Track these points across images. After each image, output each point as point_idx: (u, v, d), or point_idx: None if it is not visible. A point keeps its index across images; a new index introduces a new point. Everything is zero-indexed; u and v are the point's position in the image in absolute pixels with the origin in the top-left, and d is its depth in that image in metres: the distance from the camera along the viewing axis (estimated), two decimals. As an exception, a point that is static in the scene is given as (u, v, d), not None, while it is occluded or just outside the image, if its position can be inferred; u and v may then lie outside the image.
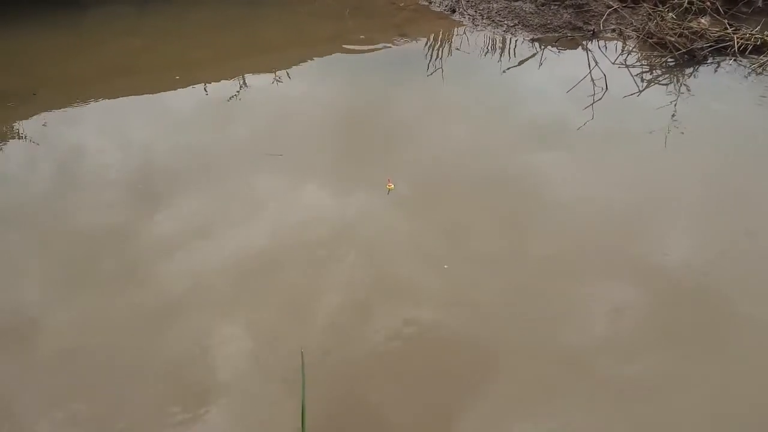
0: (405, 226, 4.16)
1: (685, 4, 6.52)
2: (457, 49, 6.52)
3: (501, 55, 6.35)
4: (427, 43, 6.61)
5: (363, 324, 3.48)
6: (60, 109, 5.39)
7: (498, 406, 3.12)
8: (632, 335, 3.43)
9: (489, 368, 3.28)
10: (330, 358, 3.26)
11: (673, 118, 5.23)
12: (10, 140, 5.02)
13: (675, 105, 5.45)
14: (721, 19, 6.39)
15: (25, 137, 5.03)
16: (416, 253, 3.93)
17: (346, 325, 3.48)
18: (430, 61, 6.26)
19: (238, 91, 5.68)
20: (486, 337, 3.43)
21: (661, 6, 6.61)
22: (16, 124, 5.18)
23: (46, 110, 5.36)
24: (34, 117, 5.26)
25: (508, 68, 6.10)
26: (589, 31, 6.64)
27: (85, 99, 5.51)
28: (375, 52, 6.48)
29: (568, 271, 3.82)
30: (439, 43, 6.64)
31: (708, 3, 6.51)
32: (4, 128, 5.13)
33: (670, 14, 6.43)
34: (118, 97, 5.61)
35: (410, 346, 3.37)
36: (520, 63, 6.20)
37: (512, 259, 3.92)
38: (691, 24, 6.27)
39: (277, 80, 5.91)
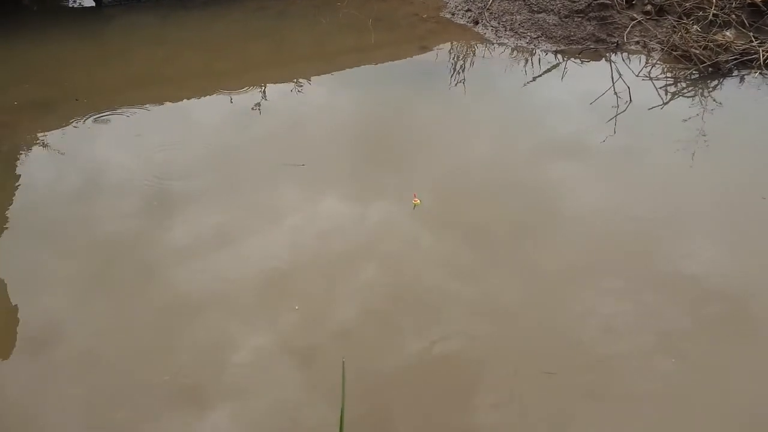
0: (425, 237, 4.24)
1: (710, 17, 6.59)
2: (481, 61, 6.62)
3: (524, 67, 6.45)
4: (449, 55, 6.71)
5: (384, 335, 3.57)
6: (84, 117, 5.51)
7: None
8: (652, 351, 3.48)
9: (508, 380, 3.35)
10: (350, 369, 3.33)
11: (698, 131, 5.30)
12: (35, 149, 5.14)
13: (700, 118, 5.51)
14: (746, 31, 6.46)
15: (51, 146, 5.16)
16: (437, 265, 4.02)
17: (365, 336, 3.57)
18: (452, 72, 6.37)
19: (261, 102, 5.80)
20: (505, 351, 3.51)
21: (685, 19, 6.68)
22: (41, 133, 5.31)
23: (70, 119, 5.49)
24: (60, 126, 5.39)
25: (532, 80, 6.19)
26: (612, 43, 6.73)
27: (108, 108, 5.64)
28: (398, 63, 6.60)
29: (591, 284, 3.90)
30: (461, 54, 6.74)
31: (733, 16, 6.58)
32: (30, 137, 5.26)
33: (695, 27, 6.51)
34: (142, 106, 5.72)
35: (430, 357, 3.45)
36: (543, 74, 6.29)
37: (532, 272, 3.98)
38: (716, 37, 6.34)
39: (300, 91, 6.02)
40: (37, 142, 5.22)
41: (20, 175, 4.85)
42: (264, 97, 5.90)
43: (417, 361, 3.41)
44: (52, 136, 5.27)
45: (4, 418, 3.17)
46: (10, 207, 4.53)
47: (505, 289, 3.86)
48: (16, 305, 3.76)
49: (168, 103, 5.86)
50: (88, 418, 3.18)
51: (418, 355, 3.44)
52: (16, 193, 4.66)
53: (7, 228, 4.32)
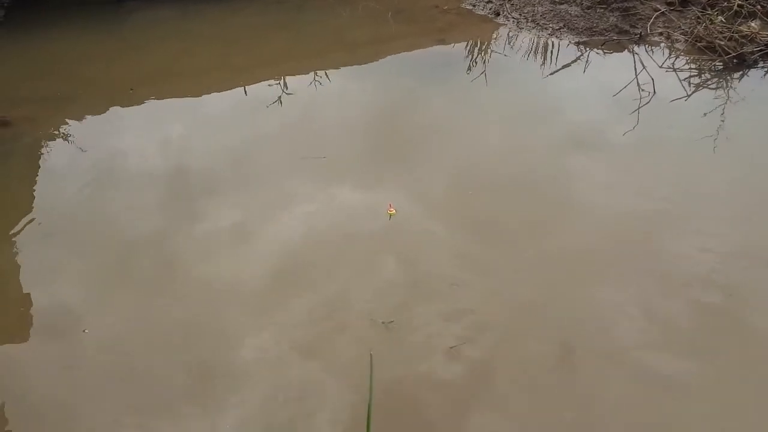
0: (441, 229, 4.33)
1: (735, 7, 6.61)
2: (501, 52, 6.68)
3: (546, 59, 6.50)
4: (470, 47, 6.77)
5: (397, 328, 3.64)
6: (103, 112, 5.63)
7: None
8: (660, 346, 3.54)
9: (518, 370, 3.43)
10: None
11: (722, 123, 5.35)
12: (57, 142, 5.26)
13: (724, 110, 5.56)
14: (772, 22, 6.47)
15: (72, 139, 5.27)
16: (451, 257, 4.10)
17: (379, 329, 3.64)
18: (473, 64, 6.43)
19: (280, 95, 5.89)
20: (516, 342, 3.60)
21: (710, 9, 6.72)
22: (63, 126, 5.43)
23: (90, 114, 5.61)
24: (81, 119, 5.52)
25: (554, 72, 6.24)
26: (635, 34, 6.76)
27: (128, 102, 5.75)
28: (417, 55, 6.66)
29: (605, 279, 3.97)
30: (482, 46, 6.80)
31: (759, 6, 6.60)
32: (52, 130, 5.38)
33: (720, 17, 6.54)
34: (161, 100, 5.83)
35: (443, 350, 3.53)
36: (566, 66, 6.33)
37: (545, 264, 4.06)
38: (741, 27, 6.36)
39: (320, 84, 6.09)
40: (59, 134, 5.34)
41: (42, 167, 4.97)
42: (284, 90, 5.99)
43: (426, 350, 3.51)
44: (73, 129, 5.40)
45: (37, 406, 3.30)
46: (32, 199, 4.64)
47: (522, 279, 3.94)
48: (37, 296, 3.88)
49: (188, 97, 5.96)
50: (115, 403, 3.30)
51: (430, 342, 3.54)
52: (38, 185, 4.78)
53: (28, 220, 4.42)
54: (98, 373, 3.44)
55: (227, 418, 3.21)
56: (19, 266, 4.07)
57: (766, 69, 6.13)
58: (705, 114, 5.46)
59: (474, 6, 7.56)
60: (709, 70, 6.20)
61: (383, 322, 3.61)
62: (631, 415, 3.22)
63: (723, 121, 5.37)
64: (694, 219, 4.37)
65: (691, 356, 3.46)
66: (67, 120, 5.51)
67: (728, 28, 6.39)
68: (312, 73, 6.25)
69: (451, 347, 3.49)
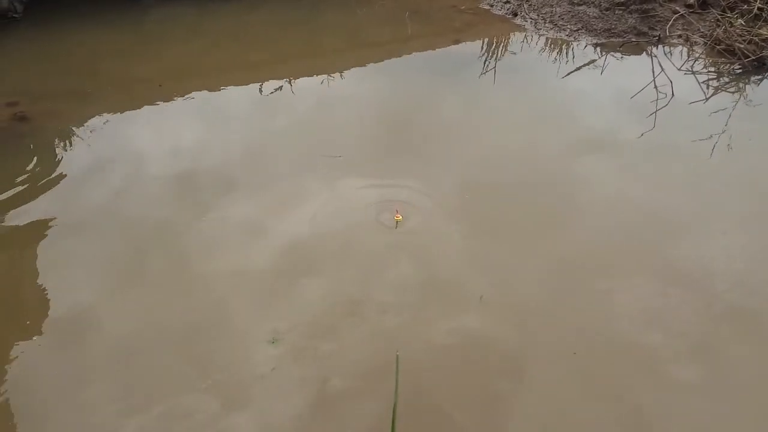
0: (453, 229, 4.33)
1: (755, 11, 6.60)
2: (519, 52, 6.68)
3: (563, 60, 6.50)
4: (486, 47, 6.78)
5: (408, 325, 3.65)
6: (120, 109, 5.67)
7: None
8: (666, 348, 3.54)
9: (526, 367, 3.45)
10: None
11: (741, 127, 5.34)
12: (72, 138, 5.30)
13: (743, 113, 5.54)
14: (792, 26, 6.46)
15: (90, 134, 5.32)
16: (463, 257, 4.11)
17: (391, 328, 3.65)
18: (490, 65, 6.43)
19: (295, 93, 5.91)
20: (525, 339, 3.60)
21: (729, 12, 6.71)
22: (82, 121, 5.47)
23: (107, 110, 5.65)
24: (99, 115, 5.55)
25: (570, 72, 6.24)
26: (654, 36, 6.77)
27: (144, 99, 5.78)
28: (433, 55, 6.68)
29: (616, 281, 3.96)
30: (500, 46, 6.80)
31: (779, 9, 6.59)
32: (71, 125, 5.43)
33: (739, 21, 6.53)
34: (179, 96, 5.86)
35: (455, 347, 3.53)
36: (583, 68, 6.34)
37: (558, 263, 4.07)
38: (760, 31, 6.36)
39: (335, 82, 6.12)
40: (76, 129, 5.38)
41: (59, 162, 5.00)
42: (299, 87, 6.01)
43: (440, 343, 3.54)
44: (91, 124, 5.44)
45: (46, 403, 3.30)
46: (49, 193, 4.68)
47: (531, 278, 3.96)
48: (52, 291, 3.89)
49: (204, 92, 5.99)
50: (124, 399, 3.31)
51: (439, 335, 3.57)
52: (56, 179, 4.81)
53: (44, 214, 4.46)
54: (105, 368, 3.46)
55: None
56: (34, 261, 4.09)
57: (786, 73, 6.14)
58: (723, 117, 5.46)
59: (492, 6, 7.58)
60: (728, 73, 6.19)
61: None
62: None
63: (742, 124, 5.36)
64: (708, 223, 4.36)
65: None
66: (84, 115, 5.55)
67: (748, 31, 6.38)
68: (327, 72, 6.27)
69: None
